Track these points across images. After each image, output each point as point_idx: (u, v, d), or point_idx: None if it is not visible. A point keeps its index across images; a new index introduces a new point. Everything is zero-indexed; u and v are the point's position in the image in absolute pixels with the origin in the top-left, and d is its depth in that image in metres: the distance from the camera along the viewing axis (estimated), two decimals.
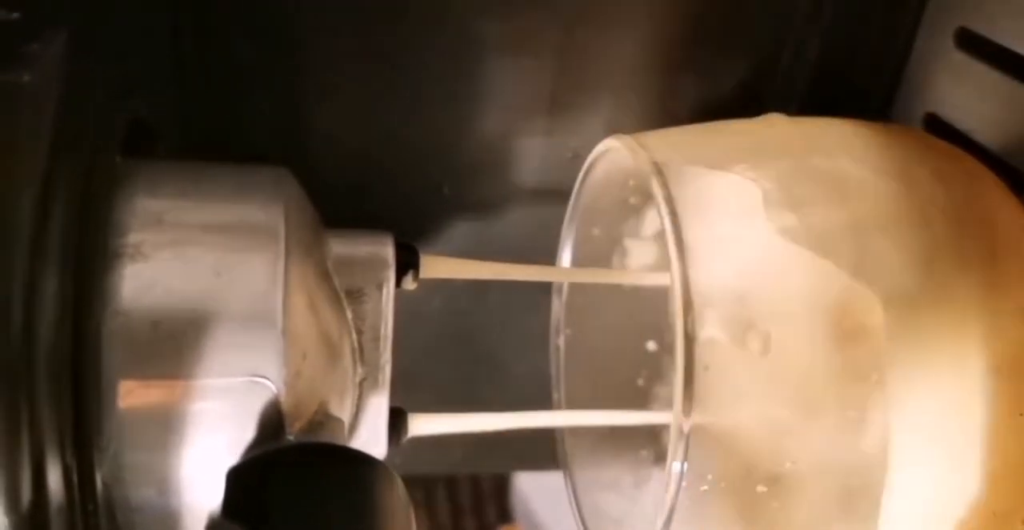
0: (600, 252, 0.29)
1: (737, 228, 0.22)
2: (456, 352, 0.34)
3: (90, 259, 0.18)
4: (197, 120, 0.29)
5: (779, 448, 0.20)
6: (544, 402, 0.29)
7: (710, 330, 0.20)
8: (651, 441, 0.28)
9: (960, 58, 0.27)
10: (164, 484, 0.18)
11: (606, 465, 0.28)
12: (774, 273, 0.21)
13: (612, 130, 0.24)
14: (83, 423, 0.18)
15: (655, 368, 0.29)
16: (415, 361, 0.33)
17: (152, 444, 0.18)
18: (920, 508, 0.20)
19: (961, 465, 0.20)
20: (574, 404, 0.29)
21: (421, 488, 0.77)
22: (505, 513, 0.78)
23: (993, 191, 0.23)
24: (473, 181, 0.31)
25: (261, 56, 0.29)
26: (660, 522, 0.20)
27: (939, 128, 0.28)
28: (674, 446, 0.19)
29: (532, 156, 0.31)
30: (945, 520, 0.20)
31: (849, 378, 0.20)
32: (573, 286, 0.28)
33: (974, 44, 0.27)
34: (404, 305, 0.31)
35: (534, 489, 0.74)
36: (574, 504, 0.27)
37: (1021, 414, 0.20)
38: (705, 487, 0.20)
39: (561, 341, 0.28)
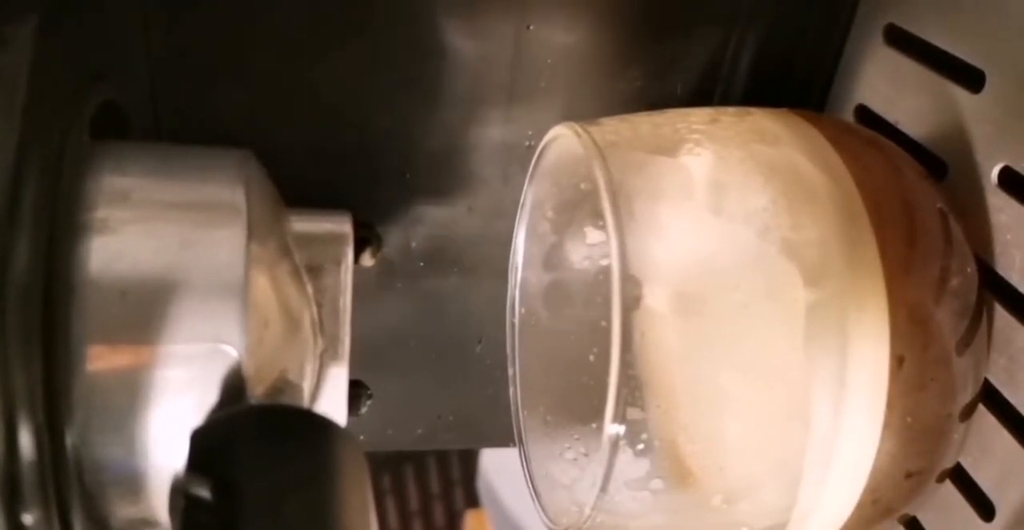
0: (554, 234, 0.30)
1: (677, 208, 0.23)
2: (420, 332, 0.35)
3: (60, 232, 0.19)
4: (169, 105, 0.29)
5: (710, 407, 0.21)
6: (504, 379, 0.30)
7: (647, 301, 0.21)
8: (601, 415, 0.30)
9: (889, 53, 0.29)
10: (131, 445, 0.20)
11: (558, 438, 0.29)
12: (709, 250, 0.22)
13: (567, 120, 0.25)
14: (53, 385, 0.19)
15: (607, 344, 0.31)
16: (380, 342, 0.35)
17: (119, 406, 0.19)
18: (839, 468, 0.22)
19: (876, 429, 0.22)
20: (528, 378, 0.30)
21: (390, 475, 0.78)
22: (472, 498, 0.79)
23: (913, 177, 0.25)
24: (434, 168, 0.33)
25: (231, 44, 0.29)
26: (599, 480, 0.21)
27: (868, 118, 0.29)
28: (611, 409, 0.21)
29: (491, 144, 0.32)
30: (860, 480, 0.22)
31: (774, 346, 0.21)
32: (527, 267, 0.30)
33: (902, 40, 0.28)
34: (368, 288, 0.32)
35: (500, 475, 0.75)
36: (527, 473, 0.28)
37: (932, 380, 0.22)
38: (641, 446, 0.21)
39: (516, 319, 0.30)
